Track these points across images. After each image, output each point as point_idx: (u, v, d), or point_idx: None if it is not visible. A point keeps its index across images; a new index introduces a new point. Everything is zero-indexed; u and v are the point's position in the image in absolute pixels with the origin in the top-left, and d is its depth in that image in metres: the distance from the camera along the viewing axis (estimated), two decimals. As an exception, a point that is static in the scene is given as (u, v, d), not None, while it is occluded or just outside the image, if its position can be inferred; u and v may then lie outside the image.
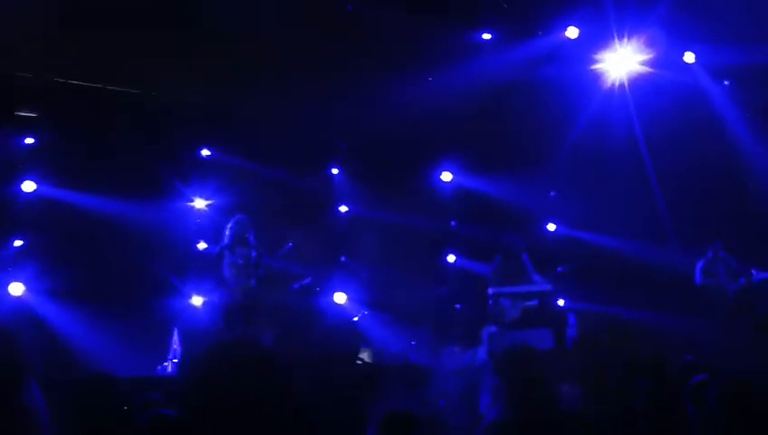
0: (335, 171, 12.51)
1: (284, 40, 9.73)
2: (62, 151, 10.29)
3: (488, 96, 10.65)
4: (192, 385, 2.22)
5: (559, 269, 11.00)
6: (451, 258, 12.10)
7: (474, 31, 10.76)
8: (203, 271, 9.76)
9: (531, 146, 11.15)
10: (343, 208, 12.54)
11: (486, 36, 10.84)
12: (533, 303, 8.97)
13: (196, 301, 9.55)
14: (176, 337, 8.45)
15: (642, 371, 4.95)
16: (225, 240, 8.40)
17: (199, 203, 11.27)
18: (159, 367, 8.50)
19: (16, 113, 10.25)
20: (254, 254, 8.41)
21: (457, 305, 11.26)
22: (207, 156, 11.68)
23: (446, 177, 12.14)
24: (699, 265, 9.84)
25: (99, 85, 10.19)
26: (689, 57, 10.12)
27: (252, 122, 10.94)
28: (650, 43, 9.77)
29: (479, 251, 11.60)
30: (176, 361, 8.24)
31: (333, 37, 10.06)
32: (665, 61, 9.99)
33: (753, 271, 9.46)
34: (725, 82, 10.52)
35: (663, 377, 4.83)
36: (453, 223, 12.47)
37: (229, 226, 8.46)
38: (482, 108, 10.90)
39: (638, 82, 10.13)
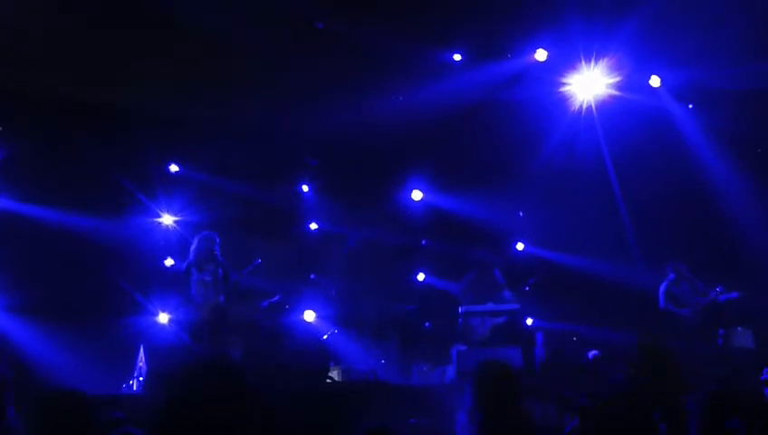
0: (305, 188, 12.47)
1: (255, 54, 9.73)
2: (23, 164, 10.04)
3: (459, 116, 10.74)
4: (160, 403, 2.17)
5: (526, 287, 11.09)
6: (420, 277, 12.12)
7: (445, 51, 10.88)
8: (169, 288, 9.62)
9: (500, 166, 11.25)
10: (313, 226, 12.51)
11: (457, 57, 10.97)
12: (502, 321, 9.02)
13: (163, 318, 9.40)
14: (141, 355, 8.30)
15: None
16: (192, 257, 8.29)
17: (167, 219, 11.15)
18: (125, 385, 8.34)
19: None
20: (221, 271, 8.30)
21: (426, 323, 11.26)
22: (176, 171, 11.57)
23: (417, 195, 12.19)
24: (662, 287, 9.80)
25: (63, 97, 10.01)
26: (655, 81, 10.34)
27: (221, 137, 10.86)
28: (617, 67, 9.95)
29: (448, 269, 11.65)
30: (141, 379, 8.08)
31: (305, 53, 10.08)
32: (631, 84, 10.19)
33: (719, 288, 9.53)
34: (690, 106, 10.76)
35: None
36: (424, 241, 12.52)
37: (195, 242, 8.36)
38: (452, 127, 10.99)
39: (605, 105, 10.31)
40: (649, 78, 10.32)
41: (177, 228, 11.05)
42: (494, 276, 9.53)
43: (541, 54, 10.24)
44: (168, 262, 10.98)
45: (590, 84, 10.18)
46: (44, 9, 8.61)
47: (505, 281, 9.60)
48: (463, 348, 8.73)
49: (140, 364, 8.24)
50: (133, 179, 10.51)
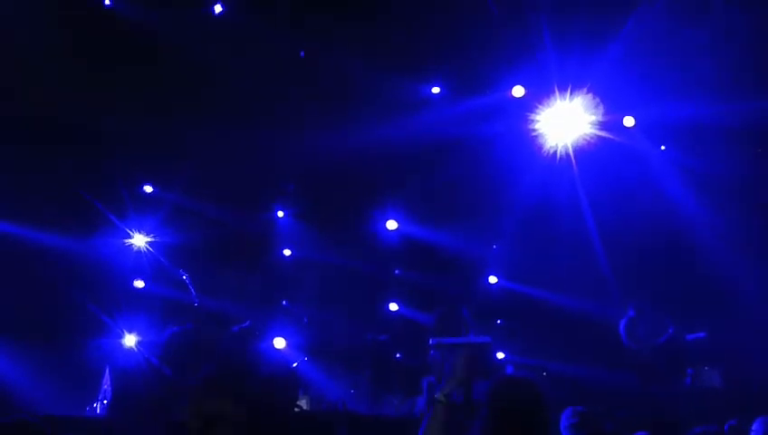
0: (281, 214, 12.43)
1: (234, 78, 9.76)
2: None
3: (436, 148, 10.83)
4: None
5: (498, 322, 11.10)
6: (393, 307, 12.08)
7: (424, 84, 11.02)
8: (138, 309, 9.51)
9: (476, 199, 11.33)
10: (287, 252, 12.45)
11: (435, 90, 11.11)
12: (472, 354, 8.99)
13: (129, 340, 9.26)
14: (107, 377, 8.15)
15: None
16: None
17: (138, 240, 11.02)
18: (88, 407, 8.17)
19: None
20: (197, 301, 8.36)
21: (398, 354, 11.20)
22: (150, 192, 11.49)
23: (392, 225, 12.20)
24: (622, 324, 9.86)
25: (34, 115, 9.88)
26: (629, 121, 10.51)
27: (196, 160, 10.82)
28: (592, 105, 10.12)
29: (421, 300, 11.64)
30: (105, 401, 7.92)
31: (284, 79, 10.14)
32: (606, 123, 10.35)
33: (671, 329, 9.58)
34: (662, 147, 10.94)
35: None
36: (397, 271, 12.51)
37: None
38: (429, 159, 11.07)
39: (580, 142, 10.45)
40: (624, 118, 10.50)
41: (150, 250, 10.94)
42: (461, 315, 9.59)
43: (518, 91, 10.39)
44: (138, 284, 10.87)
45: (565, 122, 10.32)
46: (19, 33, 8.59)
47: (472, 321, 9.66)
48: (433, 379, 8.69)
49: (105, 387, 8.08)
50: (104, 199, 10.40)
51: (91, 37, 9.05)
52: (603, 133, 10.31)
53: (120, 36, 9.25)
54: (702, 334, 9.54)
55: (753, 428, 5.06)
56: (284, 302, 11.56)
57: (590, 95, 9.97)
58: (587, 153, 10.47)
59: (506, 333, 10.89)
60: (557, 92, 10.06)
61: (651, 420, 6.75)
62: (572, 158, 10.51)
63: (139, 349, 8.73)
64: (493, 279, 12.15)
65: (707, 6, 9.22)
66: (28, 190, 9.92)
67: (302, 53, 10.52)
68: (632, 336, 9.66)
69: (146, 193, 11.46)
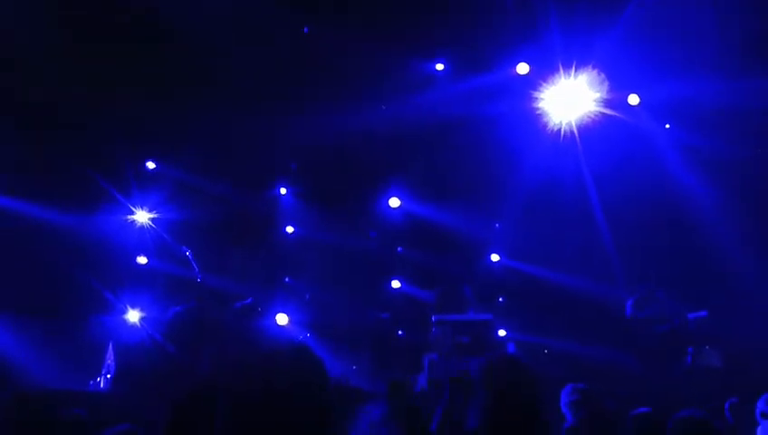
0: (283, 191, 12.43)
1: (237, 57, 9.70)
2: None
3: (440, 126, 10.79)
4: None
5: (500, 300, 11.13)
6: (395, 284, 12.12)
7: (427, 62, 10.95)
8: (141, 285, 9.55)
9: (480, 177, 11.31)
10: (290, 229, 12.46)
11: (439, 67, 11.04)
12: (474, 331, 9.04)
13: (133, 316, 9.32)
14: (110, 352, 8.21)
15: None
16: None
17: (141, 217, 11.03)
18: (91, 382, 8.24)
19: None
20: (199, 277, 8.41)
21: (399, 332, 11.25)
22: (153, 169, 11.48)
23: (394, 203, 12.20)
24: (630, 301, 9.88)
25: (37, 93, 9.81)
26: (634, 99, 10.45)
27: (199, 139, 10.78)
28: (597, 83, 10.06)
29: (423, 278, 11.67)
30: (109, 376, 7.98)
31: (288, 58, 10.08)
32: (611, 101, 10.29)
33: (676, 321, 9.60)
34: (667, 126, 10.88)
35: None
36: (400, 249, 12.53)
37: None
38: (433, 137, 11.03)
39: (585, 120, 10.40)
40: (628, 96, 10.44)
41: (153, 226, 10.95)
42: (461, 294, 9.64)
43: (522, 68, 10.32)
44: (141, 260, 10.91)
45: (570, 100, 10.27)
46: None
47: (473, 298, 9.70)
48: (434, 357, 8.74)
49: (109, 362, 8.15)
50: (107, 176, 10.39)
51: (92, 16, 8.97)
52: (607, 111, 10.26)
53: (121, 14, 9.17)
54: (704, 313, 9.53)
55: (759, 405, 5.09)
56: (287, 279, 11.60)
57: (594, 72, 9.90)
58: (591, 131, 10.43)
59: (508, 311, 10.93)
60: (561, 70, 9.99)
61: (652, 399, 6.77)
62: (576, 136, 10.47)
63: (142, 325, 8.81)
64: (495, 257, 12.17)
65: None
66: (31, 167, 9.89)
67: (305, 29, 10.46)
68: (638, 315, 9.66)
69: (149, 170, 11.44)
